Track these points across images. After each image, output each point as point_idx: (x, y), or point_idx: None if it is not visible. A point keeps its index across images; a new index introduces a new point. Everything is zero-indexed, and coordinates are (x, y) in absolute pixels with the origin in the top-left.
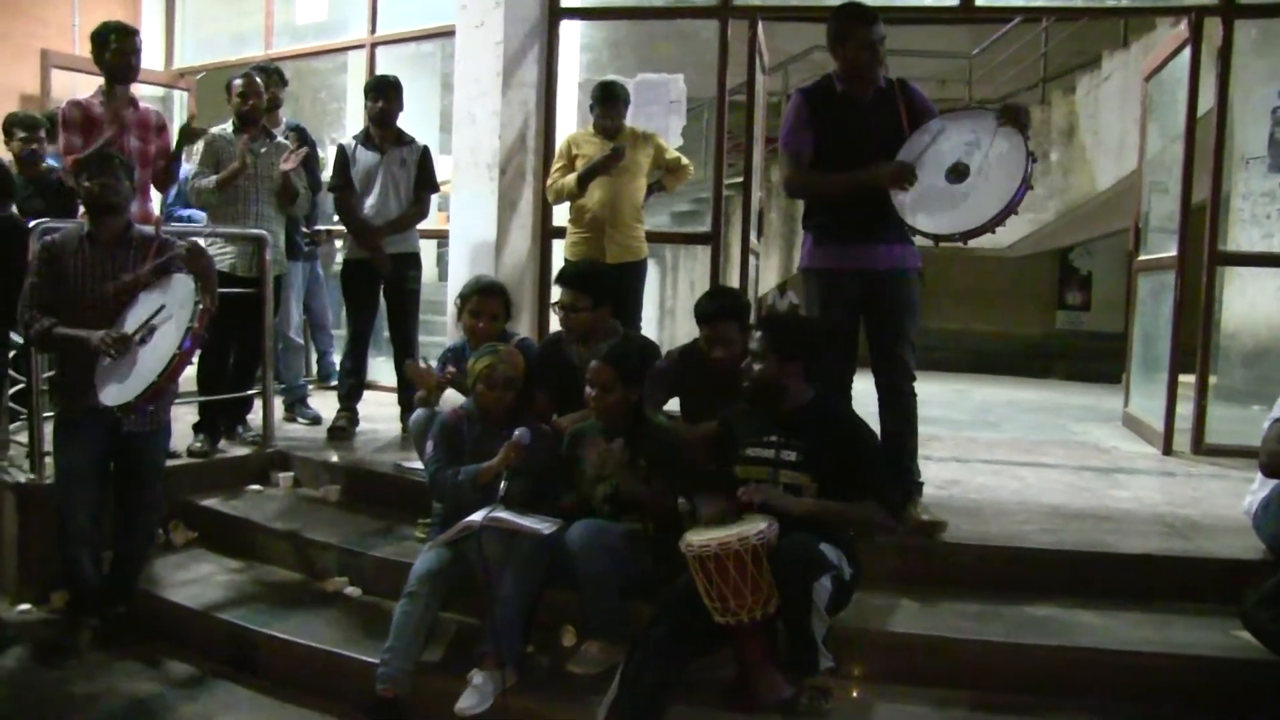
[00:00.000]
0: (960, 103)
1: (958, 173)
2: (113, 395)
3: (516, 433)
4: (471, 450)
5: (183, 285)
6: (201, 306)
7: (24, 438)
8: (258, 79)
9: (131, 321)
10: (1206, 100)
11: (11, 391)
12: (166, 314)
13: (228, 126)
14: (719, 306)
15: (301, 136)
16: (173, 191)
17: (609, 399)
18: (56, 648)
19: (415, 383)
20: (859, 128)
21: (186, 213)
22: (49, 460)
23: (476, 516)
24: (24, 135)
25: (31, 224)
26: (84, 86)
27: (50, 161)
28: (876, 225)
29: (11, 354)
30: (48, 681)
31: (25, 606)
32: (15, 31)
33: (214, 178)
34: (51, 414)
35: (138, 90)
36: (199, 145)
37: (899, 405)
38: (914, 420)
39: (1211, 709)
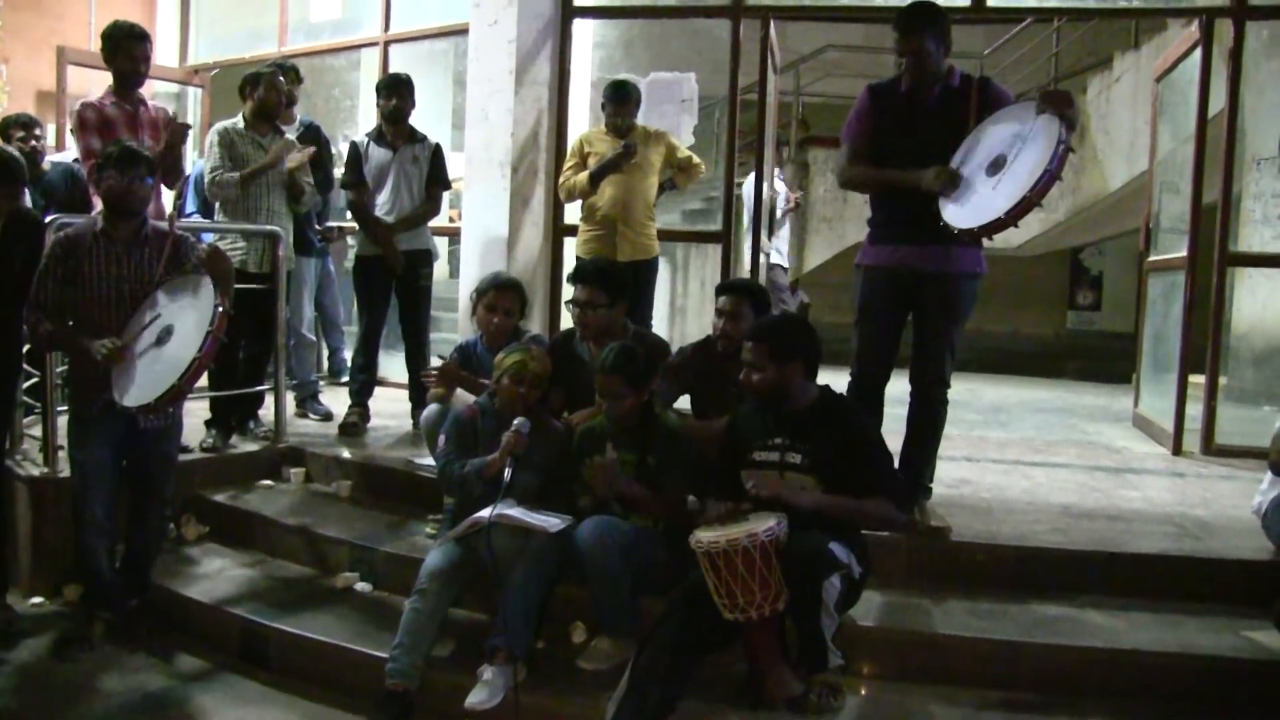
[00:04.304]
0: None
1: (997, 166)
2: (133, 397)
3: (516, 422)
4: (485, 446)
5: (202, 287)
6: (220, 310)
7: (38, 431)
8: (280, 78)
9: (149, 321)
10: (1217, 101)
11: (25, 385)
12: (185, 315)
13: (238, 122)
14: (738, 283)
15: (316, 134)
16: (189, 193)
17: (621, 407)
18: (70, 640)
19: (446, 383)
20: (918, 126)
21: (193, 213)
22: (62, 454)
23: (485, 513)
24: (22, 135)
25: (48, 219)
26: (99, 82)
27: (55, 157)
28: (929, 226)
29: (25, 348)
30: (61, 673)
31: (38, 599)
32: (32, 27)
33: (237, 174)
34: (65, 409)
35: (150, 86)
36: (211, 140)
37: (924, 409)
38: (938, 427)
39: (1221, 710)
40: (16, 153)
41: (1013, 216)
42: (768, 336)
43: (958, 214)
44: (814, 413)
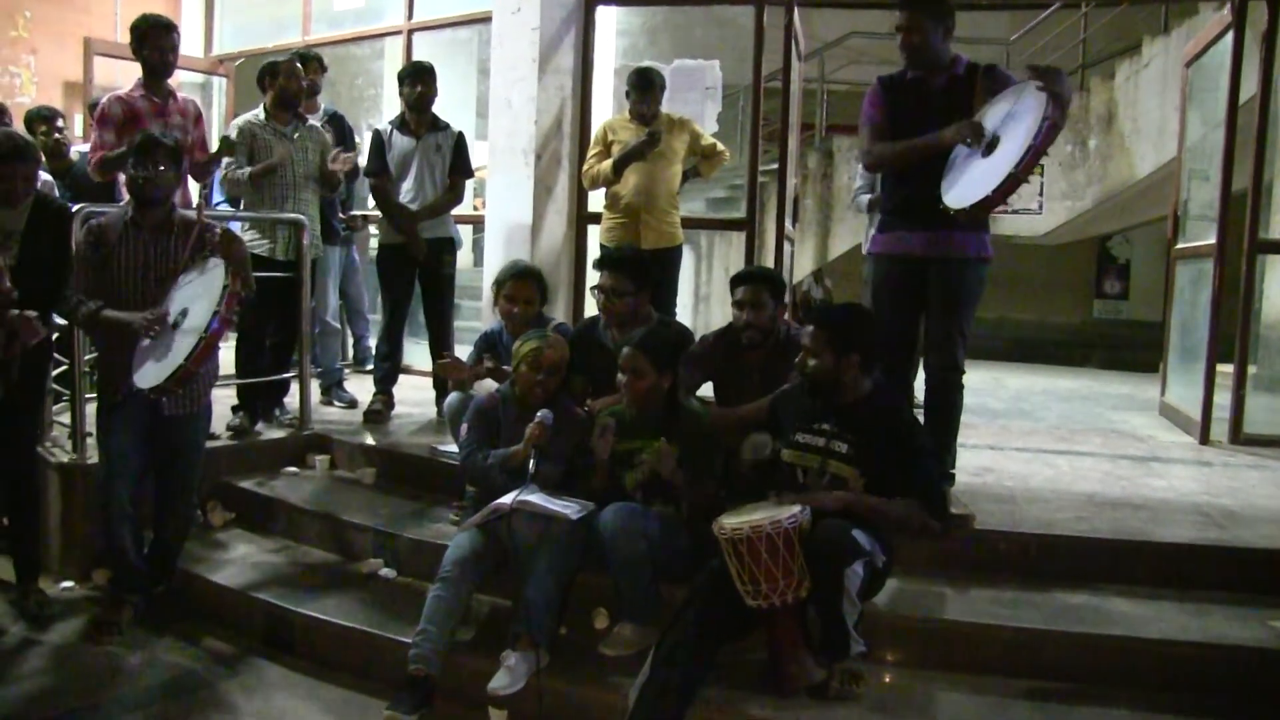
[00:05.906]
0: None
1: (991, 147)
2: (147, 378)
3: (540, 414)
4: (506, 434)
5: (211, 270)
6: (230, 290)
7: (67, 419)
8: (299, 65)
9: (172, 304)
10: (1249, 86)
11: (54, 373)
12: (199, 299)
13: (259, 113)
14: (754, 271)
15: (339, 123)
16: (215, 181)
17: (641, 385)
18: (100, 624)
19: (447, 376)
20: (924, 113)
21: (219, 202)
22: (91, 441)
23: (506, 499)
24: (44, 129)
25: (75, 208)
26: (126, 73)
27: (81, 147)
28: (932, 212)
29: (54, 336)
30: (91, 655)
31: (68, 584)
32: (59, 19)
33: (248, 170)
34: (94, 396)
35: (176, 77)
36: (231, 134)
37: (940, 394)
38: (954, 412)
39: (1248, 701)
40: (27, 136)
41: (1001, 194)
42: (829, 325)
43: (953, 195)
44: (866, 407)
